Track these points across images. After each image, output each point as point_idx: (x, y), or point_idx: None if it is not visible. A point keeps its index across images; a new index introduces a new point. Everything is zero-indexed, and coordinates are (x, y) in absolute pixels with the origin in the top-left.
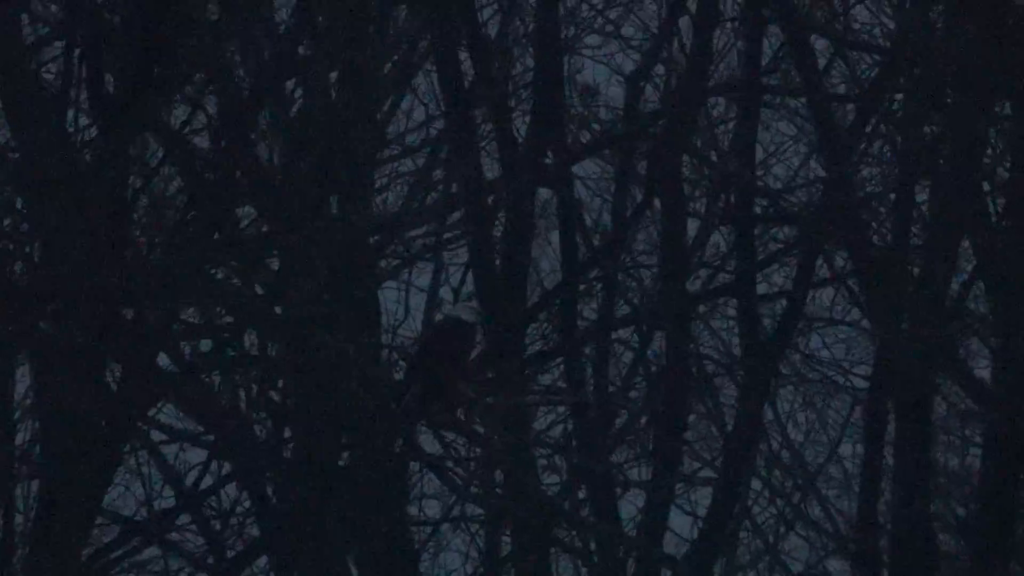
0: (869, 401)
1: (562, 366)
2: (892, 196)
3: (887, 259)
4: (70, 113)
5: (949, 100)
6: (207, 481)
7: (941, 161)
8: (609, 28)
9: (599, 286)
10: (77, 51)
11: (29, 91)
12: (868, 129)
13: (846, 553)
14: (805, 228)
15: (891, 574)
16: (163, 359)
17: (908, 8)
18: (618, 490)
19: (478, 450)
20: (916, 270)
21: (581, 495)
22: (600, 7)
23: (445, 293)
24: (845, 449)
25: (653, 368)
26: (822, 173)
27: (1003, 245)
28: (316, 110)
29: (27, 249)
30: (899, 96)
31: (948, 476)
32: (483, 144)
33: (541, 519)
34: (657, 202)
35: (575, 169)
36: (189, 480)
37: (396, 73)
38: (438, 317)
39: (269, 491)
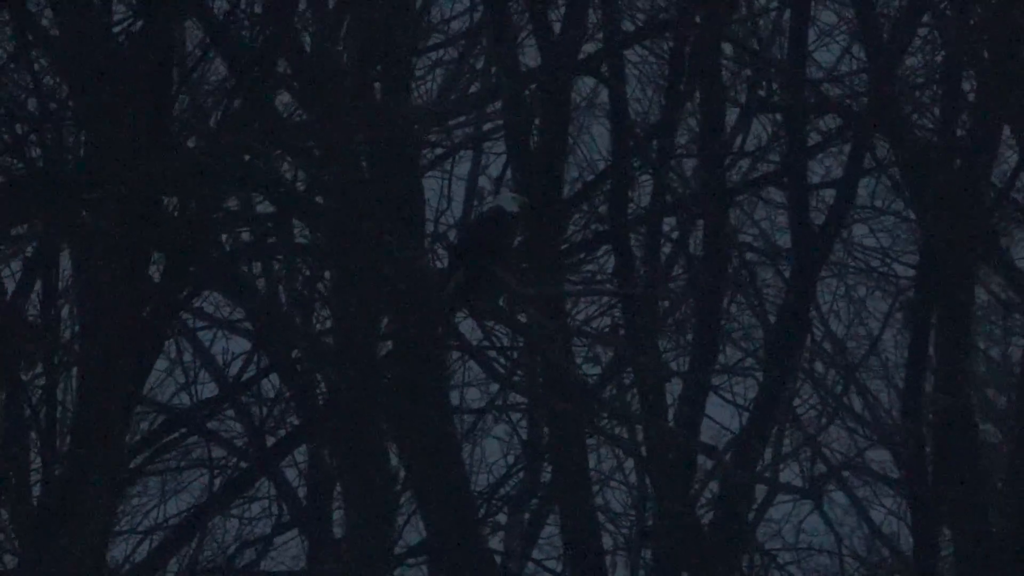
0: (915, 291)
1: (607, 254)
2: (937, 86)
3: (931, 149)
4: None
5: None
6: (249, 371)
7: (985, 51)
8: None
9: (647, 172)
10: None
11: None
12: (912, 18)
13: (888, 443)
14: (851, 118)
15: (934, 463)
16: (205, 248)
17: None
18: (664, 381)
19: (520, 338)
20: (960, 160)
21: (625, 384)
22: None
23: (484, 183)
24: (887, 340)
25: (694, 258)
26: (865, 61)
27: None
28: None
29: (70, 138)
30: None
31: (989, 366)
32: (521, 33)
33: (581, 408)
34: (698, 91)
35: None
36: (232, 370)
37: None
38: (481, 207)
39: (308, 379)
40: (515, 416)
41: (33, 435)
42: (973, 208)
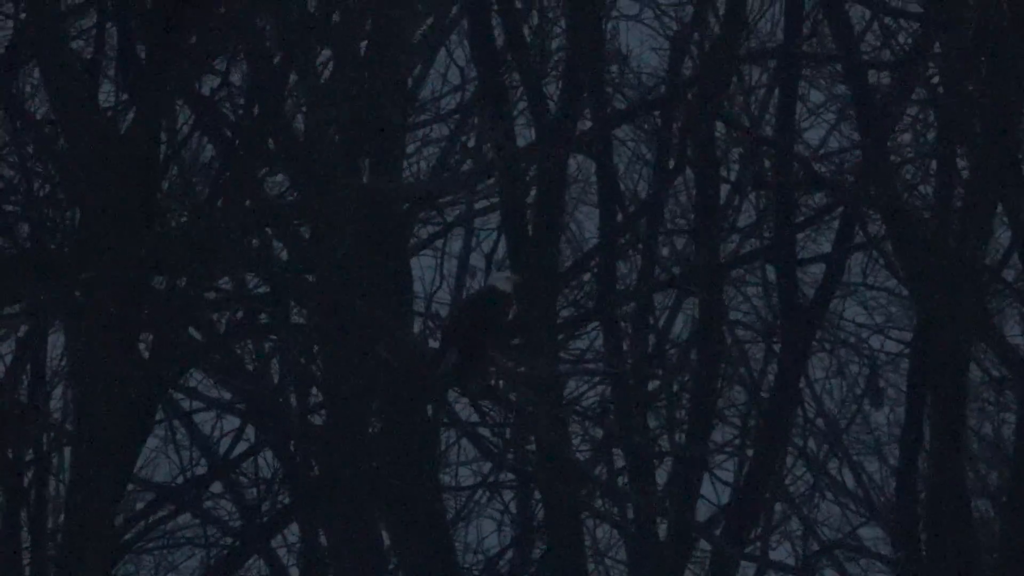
0: (910, 369)
1: (597, 332)
2: (929, 162)
3: (924, 225)
4: (102, 83)
5: (985, 66)
6: (240, 448)
7: (978, 128)
8: None
9: (637, 248)
10: (108, 21)
11: (62, 61)
12: (904, 94)
13: (880, 521)
14: (842, 194)
15: (927, 541)
16: (195, 328)
17: None
18: (654, 461)
19: (512, 417)
20: (953, 237)
21: (617, 463)
22: None
23: (477, 259)
24: (880, 417)
25: (686, 335)
26: (856, 138)
27: None
28: (346, 76)
29: (61, 218)
30: (934, 64)
31: (982, 443)
32: (516, 111)
33: (574, 486)
34: (690, 168)
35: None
36: (221, 448)
37: (427, 38)
38: (473, 286)
39: (300, 458)
40: (507, 494)
41: (24, 514)
42: (967, 286)
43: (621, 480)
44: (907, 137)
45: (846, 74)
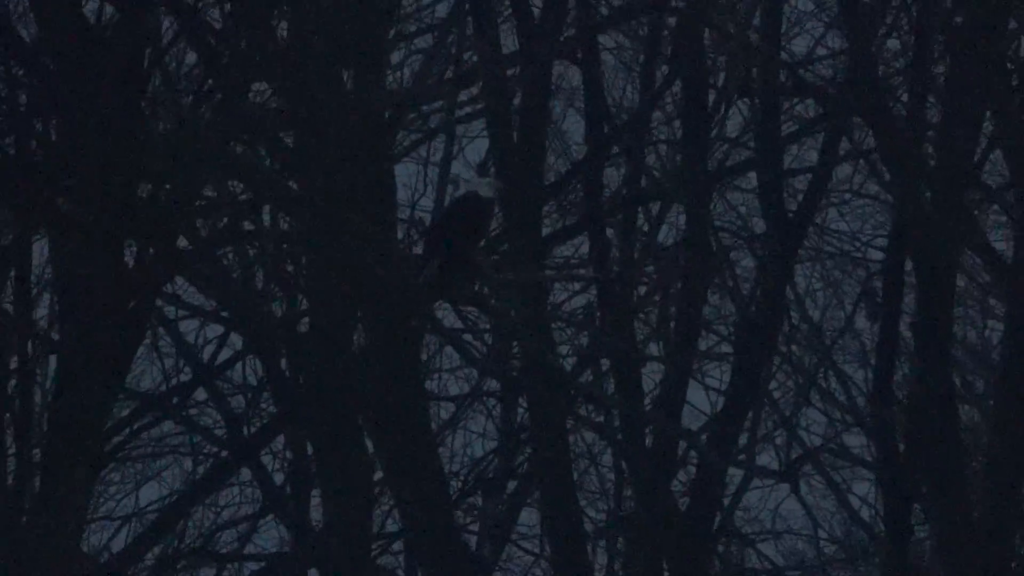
0: (886, 273)
1: (584, 241)
2: (912, 69)
3: (908, 131)
4: None
5: None
6: (224, 356)
7: (961, 33)
8: None
9: (623, 159)
10: None
11: None
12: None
13: (863, 426)
14: (828, 101)
15: (907, 446)
16: (180, 236)
17: None
18: (640, 367)
19: (496, 324)
20: (936, 142)
21: (602, 369)
22: None
23: (461, 168)
24: (862, 323)
25: (672, 242)
26: (842, 46)
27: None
28: None
29: (45, 126)
30: None
31: (967, 349)
32: (500, 18)
33: (559, 393)
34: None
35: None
36: (206, 356)
37: None
38: (457, 192)
39: (285, 366)
40: (491, 403)
41: (8, 419)
42: (952, 191)
43: (606, 387)
44: (894, 44)
45: None
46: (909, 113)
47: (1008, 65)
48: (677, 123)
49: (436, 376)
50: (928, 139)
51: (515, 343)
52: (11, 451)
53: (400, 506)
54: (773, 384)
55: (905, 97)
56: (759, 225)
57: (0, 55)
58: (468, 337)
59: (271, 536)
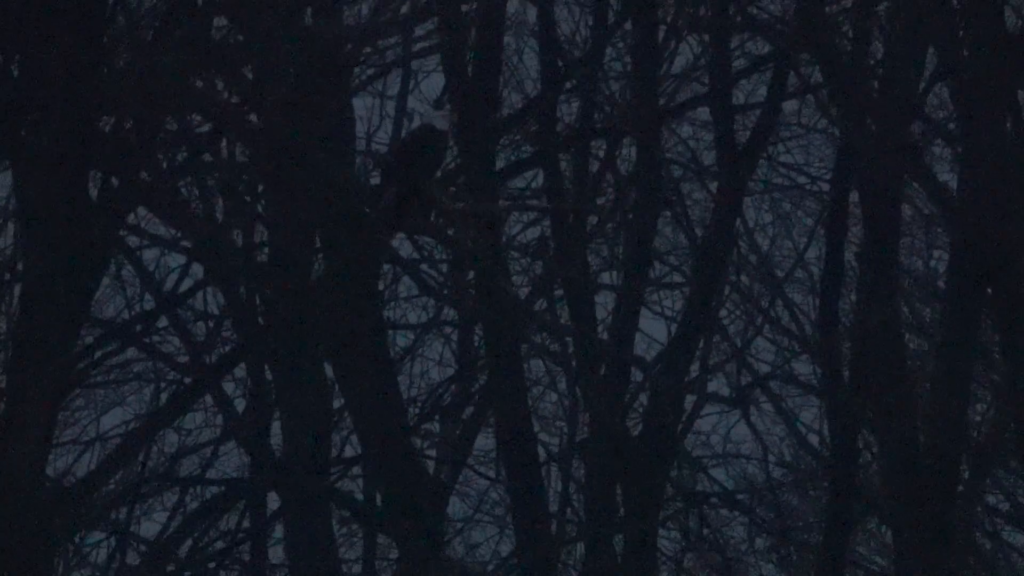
0: (832, 204)
1: (537, 173)
2: (857, 5)
3: (854, 66)
4: None
5: None
6: (186, 285)
7: None
8: None
9: (576, 94)
10: None
11: None
12: None
13: (811, 354)
14: (777, 39)
15: (853, 373)
16: (142, 168)
17: None
18: (593, 296)
19: (452, 253)
20: (881, 77)
21: (556, 298)
22: None
23: (417, 102)
24: (813, 256)
25: (624, 174)
26: None
27: (967, 49)
28: None
29: (7, 61)
30: None
31: (913, 278)
32: None
33: (513, 321)
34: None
35: None
36: (168, 285)
37: None
38: (412, 125)
39: (245, 295)
40: (448, 330)
41: None
42: (896, 124)
43: (560, 315)
44: None
45: None
46: (854, 48)
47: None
48: (629, 59)
49: (394, 305)
50: (873, 74)
51: (471, 273)
52: None
53: (359, 431)
54: (723, 313)
55: (850, 33)
56: (709, 158)
57: None
58: (425, 267)
59: (232, 461)
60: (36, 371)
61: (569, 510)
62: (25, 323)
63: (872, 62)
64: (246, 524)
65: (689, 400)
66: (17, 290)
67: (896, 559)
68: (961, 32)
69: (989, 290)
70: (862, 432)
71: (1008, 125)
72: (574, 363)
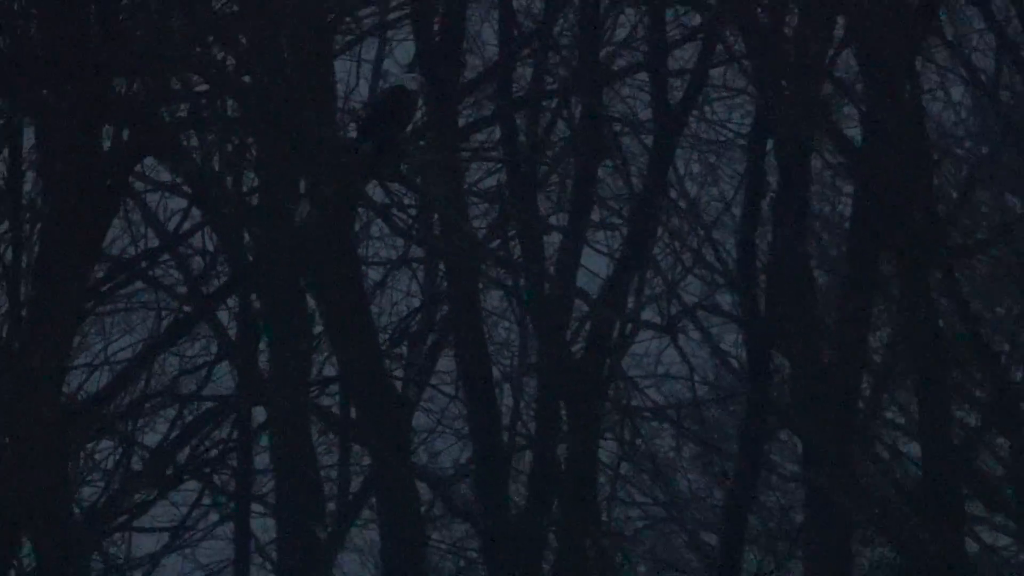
0: (751, 155)
1: (495, 129)
2: None
3: (770, 34)
4: None
5: None
6: (186, 225)
7: None
8: None
9: (529, 60)
10: None
11: None
12: None
13: (732, 287)
14: (707, 12)
15: (768, 304)
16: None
17: None
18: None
19: (419, 199)
20: (794, 43)
21: (510, 238)
22: None
23: (391, 65)
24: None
25: (570, 130)
26: None
27: (871, 19)
28: None
29: (32, 28)
30: None
31: (822, 221)
32: None
33: (471, 258)
34: None
35: None
36: (171, 226)
37: None
38: (384, 86)
39: (237, 234)
40: (415, 266)
41: (1, 281)
42: (808, 85)
43: (513, 253)
44: None
45: None
46: (771, 20)
47: None
48: (577, 29)
49: (367, 244)
50: (787, 42)
51: (435, 215)
52: (3, 309)
53: (336, 354)
54: (657, 251)
55: (768, 5)
56: (647, 116)
57: None
58: (395, 211)
59: (225, 380)
60: (54, 301)
61: (519, 423)
62: (44, 259)
63: (787, 31)
64: (236, 435)
65: (626, 328)
66: (38, 229)
67: (804, 465)
68: (866, 3)
69: (887, 231)
70: (775, 355)
71: (906, 87)
72: (525, 295)
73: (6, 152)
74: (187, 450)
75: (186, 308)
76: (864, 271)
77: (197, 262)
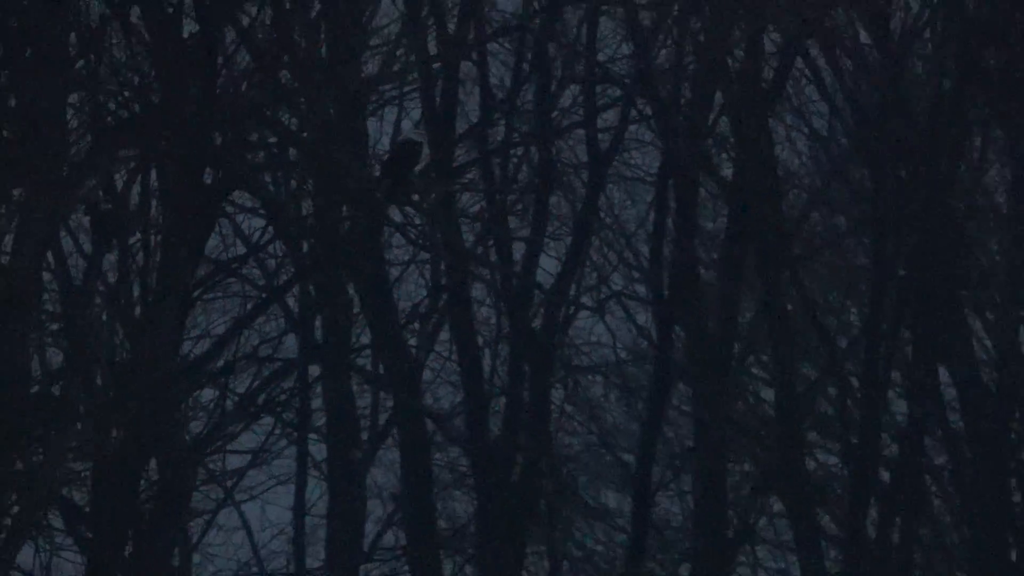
0: (658, 187)
1: (476, 172)
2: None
3: (670, 105)
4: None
5: None
6: (263, 239)
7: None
8: None
9: (501, 123)
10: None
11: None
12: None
13: (646, 280)
14: (625, 88)
15: (670, 291)
16: (236, 163)
17: None
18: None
19: (425, 218)
20: (686, 111)
21: (489, 243)
22: None
23: (404, 124)
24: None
25: (530, 170)
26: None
27: (740, 89)
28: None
29: (153, 95)
30: None
31: (706, 234)
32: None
33: (462, 260)
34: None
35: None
36: (253, 238)
37: None
38: (400, 138)
39: (300, 243)
40: (422, 266)
41: (134, 276)
42: (697, 141)
43: (491, 256)
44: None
45: None
46: (670, 92)
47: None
48: (534, 101)
49: (389, 249)
50: (682, 108)
51: (437, 230)
52: (135, 296)
53: (369, 327)
54: (592, 253)
55: (668, 86)
56: (584, 159)
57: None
58: (408, 227)
59: (291, 348)
60: (170, 292)
61: (496, 377)
62: (163, 262)
63: (682, 101)
64: (298, 385)
65: (570, 309)
66: (159, 239)
67: (694, 406)
68: (735, 81)
69: (750, 241)
70: (676, 328)
71: (762, 139)
72: (499, 286)
73: (138, 184)
74: (263, 396)
75: (263, 296)
76: (734, 269)
77: (270, 263)
